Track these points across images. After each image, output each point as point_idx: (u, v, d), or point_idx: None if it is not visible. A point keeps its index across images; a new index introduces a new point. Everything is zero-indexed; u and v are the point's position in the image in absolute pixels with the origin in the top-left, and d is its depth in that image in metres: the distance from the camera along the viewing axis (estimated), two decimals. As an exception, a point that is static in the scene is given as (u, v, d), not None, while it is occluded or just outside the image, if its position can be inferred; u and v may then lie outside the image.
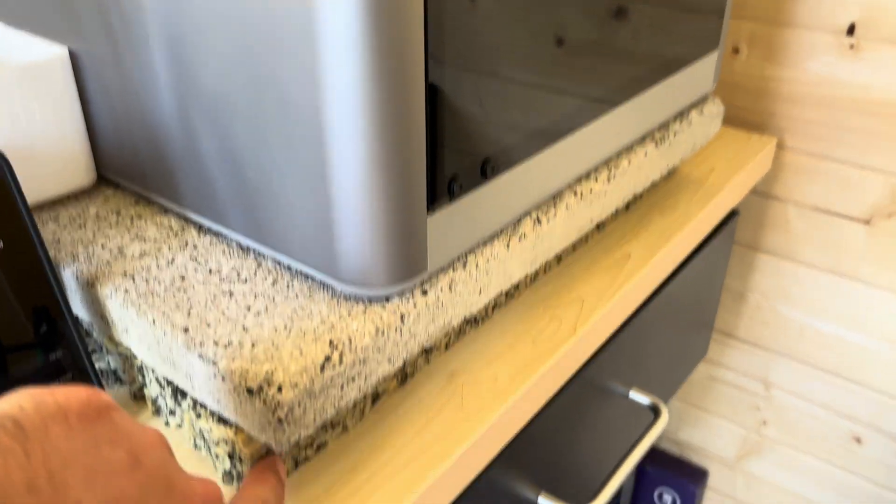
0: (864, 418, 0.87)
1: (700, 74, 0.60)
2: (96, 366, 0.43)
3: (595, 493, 0.54)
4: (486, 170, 0.40)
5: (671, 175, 0.69)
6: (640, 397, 0.62)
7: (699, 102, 0.62)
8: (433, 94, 0.35)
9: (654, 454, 1.07)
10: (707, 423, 1.01)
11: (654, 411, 0.61)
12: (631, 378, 0.63)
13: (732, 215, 0.75)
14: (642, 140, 0.56)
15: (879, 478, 0.89)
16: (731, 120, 0.81)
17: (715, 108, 0.63)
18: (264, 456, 0.38)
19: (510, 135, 0.42)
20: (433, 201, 0.38)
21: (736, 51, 0.78)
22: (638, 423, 0.66)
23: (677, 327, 0.70)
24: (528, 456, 0.51)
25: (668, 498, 1.05)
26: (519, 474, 0.51)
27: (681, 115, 0.60)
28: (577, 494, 0.59)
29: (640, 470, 1.05)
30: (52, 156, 0.46)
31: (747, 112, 0.80)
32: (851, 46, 0.71)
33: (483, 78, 0.39)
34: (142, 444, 0.24)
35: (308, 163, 0.36)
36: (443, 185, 0.38)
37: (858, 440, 0.88)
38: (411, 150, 0.35)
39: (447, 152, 0.38)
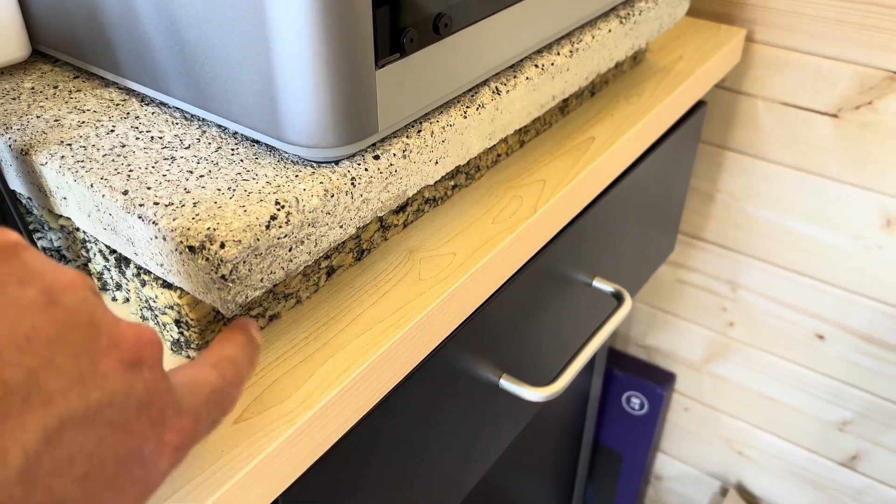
0: (828, 316, 0.88)
1: (667, -49, 0.58)
2: (38, 244, 0.42)
3: (556, 376, 0.54)
4: (438, 25, 0.39)
5: (638, 62, 0.67)
6: (603, 285, 0.62)
7: (666, -18, 0.60)
8: (378, -67, 0.33)
9: (622, 359, 1.08)
10: (674, 327, 1.02)
11: (618, 298, 0.61)
12: (595, 267, 0.63)
13: (700, 106, 0.73)
14: (606, 15, 0.54)
15: (841, 374, 0.91)
16: (701, 12, 0.79)
17: (682, -11, 0.61)
18: (213, 321, 0.37)
19: (465, -7, 0.40)
20: (382, 55, 0.36)
21: (707, -62, 0.76)
22: (602, 312, 0.66)
23: (643, 219, 0.70)
24: (489, 337, 0.50)
25: (635, 401, 1.06)
26: (481, 356, 0.50)
27: (647, -8, 0.58)
28: (539, 378, 0.59)
29: (608, 374, 1.07)
30: (-20, 24, 0.43)
31: (718, 3, 0.78)
32: (824, -70, 0.69)
33: (433, -76, 0.37)
34: (58, 282, 0.23)
35: (247, 14, 0.34)
36: (392, 37, 0.36)
37: (821, 337, 0.90)
38: (356, -4, 0.33)
39: (398, 2, 0.36)
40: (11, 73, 0.46)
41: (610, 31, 0.54)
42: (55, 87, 0.44)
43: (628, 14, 0.55)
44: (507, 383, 0.53)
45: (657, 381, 1.04)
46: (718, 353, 1.00)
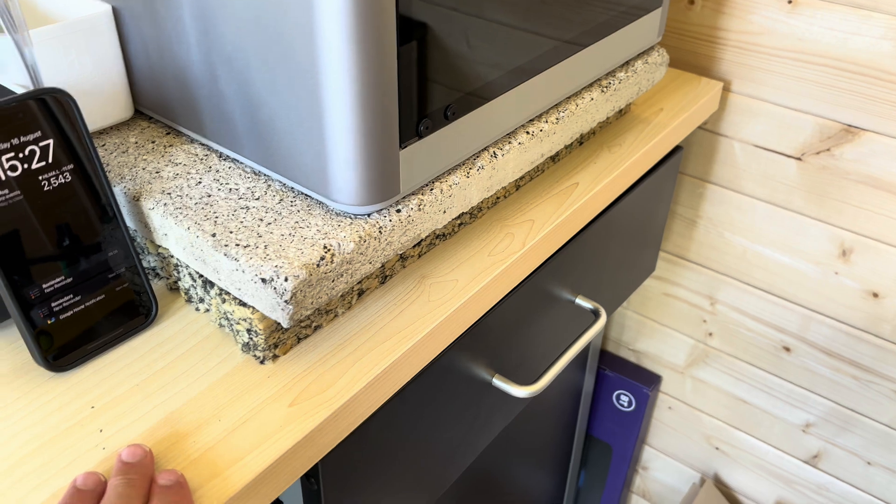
0: (792, 330, 0.99)
1: (645, 28, 0.70)
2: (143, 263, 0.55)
3: (538, 378, 0.66)
4: (447, 114, 0.51)
5: (623, 115, 0.79)
6: (584, 303, 0.74)
7: (644, 53, 0.72)
8: (401, 55, 0.46)
9: (614, 361, 1.20)
10: (661, 335, 1.14)
11: (595, 314, 0.73)
12: (578, 287, 0.75)
13: (677, 150, 0.85)
14: (589, 86, 0.66)
15: (804, 382, 1.02)
16: (684, 65, 0.91)
17: (660, 58, 0.73)
18: (275, 330, 0.49)
19: (470, 83, 0.53)
20: (404, 139, 0.49)
21: (692, 2, 0.87)
22: (583, 325, 0.79)
23: (623, 246, 0.82)
24: (484, 344, 0.63)
25: (624, 399, 1.18)
26: (477, 359, 0.63)
27: (626, 64, 0.70)
28: (526, 379, 0.71)
29: (600, 374, 1.19)
30: (98, 94, 0.56)
31: (699, 57, 0.89)
32: (790, 1, 0.81)
33: (443, 36, 0.49)
34: None
35: (306, 105, 0.46)
36: (412, 126, 0.49)
37: (787, 349, 1.01)
38: (386, 97, 0.46)
39: (415, 98, 0.48)
40: (119, 130, 0.59)
41: (592, 99, 0.66)
42: (153, 143, 0.58)
43: (609, 83, 0.67)
44: (498, 382, 0.66)
45: (644, 382, 1.16)
46: (699, 359, 1.12)
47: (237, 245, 0.48)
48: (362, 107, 0.45)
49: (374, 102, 0.45)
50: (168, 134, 0.59)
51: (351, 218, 0.50)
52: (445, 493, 0.85)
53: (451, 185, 0.54)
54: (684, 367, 1.14)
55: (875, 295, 0.91)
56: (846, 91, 0.81)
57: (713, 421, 1.16)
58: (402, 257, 0.58)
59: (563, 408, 1.13)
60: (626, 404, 1.19)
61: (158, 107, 0.58)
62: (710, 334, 1.08)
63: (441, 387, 0.60)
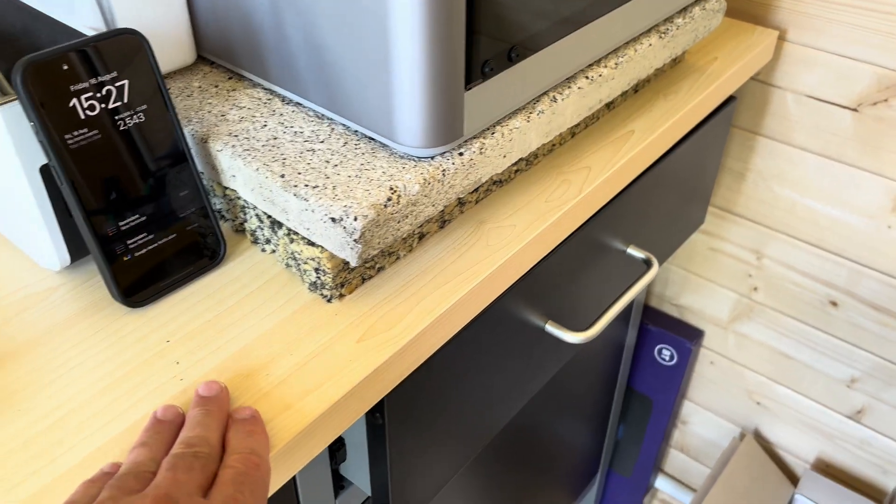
0: (840, 285, 0.99)
1: (705, -26, 0.68)
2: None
3: (591, 324, 0.67)
4: (511, 56, 0.51)
5: (677, 63, 0.78)
6: (636, 253, 0.74)
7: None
8: (472, -3, 0.46)
9: (657, 316, 1.21)
10: (705, 289, 1.14)
11: (647, 264, 0.73)
12: (629, 237, 0.75)
13: (730, 100, 0.84)
14: (647, 32, 0.66)
15: (850, 337, 1.02)
16: (739, 13, 0.89)
17: (717, 5, 0.72)
18: (342, 270, 0.50)
19: (533, 25, 0.52)
20: (469, 80, 0.49)
21: (748, -52, 0.85)
22: (634, 274, 0.79)
23: (674, 197, 0.82)
24: (538, 291, 0.64)
25: (666, 353, 1.19)
26: (531, 304, 0.64)
27: (684, 10, 0.69)
28: (578, 326, 0.72)
29: (643, 328, 1.19)
30: (164, 38, 0.57)
31: (755, 5, 0.88)
32: (852, -53, 0.79)
33: (512, -18, 0.49)
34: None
35: (374, 49, 0.47)
36: (477, 68, 0.49)
37: (834, 304, 1.01)
38: (453, 39, 0.46)
39: (481, 40, 0.49)
40: (182, 74, 0.60)
41: (650, 45, 0.65)
42: (216, 87, 0.58)
43: (667, 29, 0.67)
44: (551, 328, 0.67)
45: (687, 336, 1.17)
46: (743, 314, 1.12)
47: (306, 185, 0.48)
48: (431, 46, 0.45)
49: (443, 42, 0.45)
50: (230, 78, 0.59)
51: (415, 160, 0.51)
52: (488, 444, 0.87)
53: (511, 130, 0.55)
54: (727, 321, 1.14)
55: (928, 249, 0.90)
56: (907, 39, 0.80)
57: (755, 376, 1.16)
58: (461, 202, 0.58)
59: (605, 362, 1.14)
60: (667, 359, 1.19)
61: (221, 51, 0.59)
62: (756, 289, 1.08)
63: (496, 330, 0.61)
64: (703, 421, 1.28)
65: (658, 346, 1.19)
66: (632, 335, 1.16)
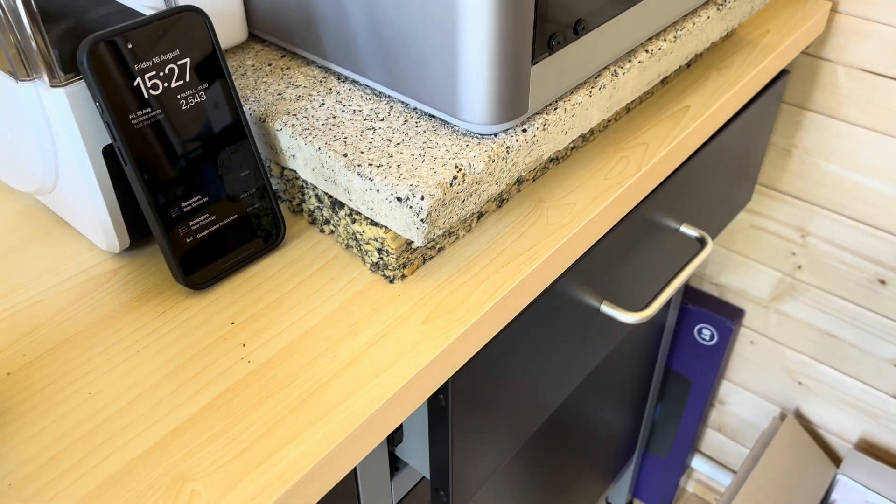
0: (890, 262, 0.97)
1: (762, -57, 0.66)
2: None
3: (647, 305, 0.66)
4: (578, 28, 0.50)
5: (729, 37, 0.76)
6: (689, 231, 0.73)
7: (760, -31, 0.69)
8: (542, -32, 0.44)
9: (696, 295, 1.19)
10: (746, 268, 1.12)
11: (701, 242, 0.72)
12: (682, 215, 0.74)
13: (783, 74, 0.82)
14: (705, 4, 0.64)
15: (898, 316, 1.00)
16: (789, -16, 0.87)
17: (774, -25, 0.70)
18: (405, 251, 0.50)
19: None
20: (537, 54, 0.48)
21: (800, -84, 0.83)
22: (685, 253, 0.78)
23: (726, 174, 0.80)
24: (595, 270, 0.63)
25: (706, 333, 1.18)
26: (588, 284, 0.63)
27: (742, -19, 0.67)
28: (632, 305, 0.71)
29: (682, 308, 1.18)
30: (216, 16, 0.56)
31: (806, -23, 0.85)
32: (910, -87, 0.76)
33: (579, -48, 0.48)
34: None
35: (440, 24, 0.46)
36: (544, 41, 0.48)
37: (883, 282, 0.99)
38: (523, 11, 0.45)
39: (549, 13, 0.47)
40: (234, 53, 0.59)
41: (708, 17, 0.63)
42: (269, 65, 0.58)
43: (724, 1, 0.65)
44: (606, 308, 0.66)
45: (727, 316, 1.15)
46: (785, 293, 1.10)
47: (370, 165, 0.48)
48: (500, 19, 0.44)
49: (512, 14, 0.44)
50: (283, 57, 0.58)
51: (478, 138, 0.50)
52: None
53: (573, 105, 0.53)
54: (769, 300, 1.13)
55: (983, 225, 0.88)
56: (967, 9, 0.77)
57: (797, 355, 1.14)
58: (518, 181, 0.57)
59: (644, 341, 1.12)
60: (707, 338, 1.18)
61: (275, 29, 0.58)
62: (799, 267, 1.06)
63: (554, 311, 0.60)
64: (742, 401, 1.27)
65: (698, 326, 1.18)
66: (672, 315, 1.14)
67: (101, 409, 0.43)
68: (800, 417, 1.20)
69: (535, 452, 0.94)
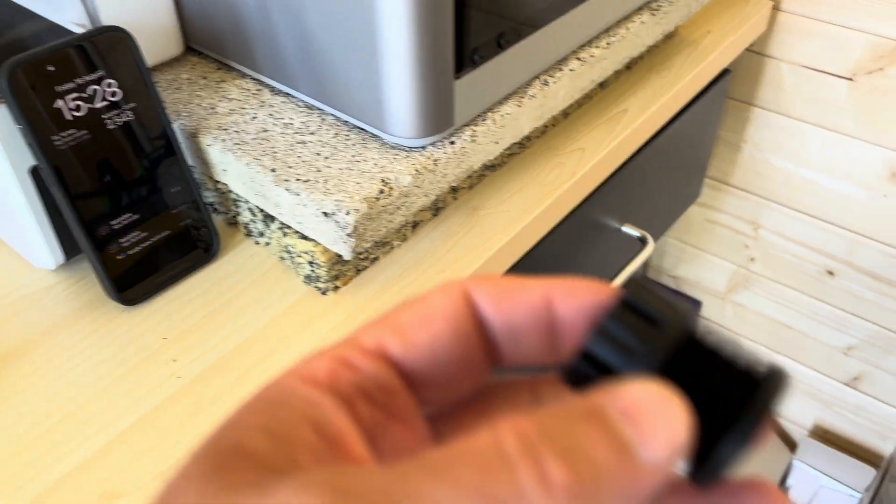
0: (837, 254, 0.99)
1: (697, -53, 0.67)
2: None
3: (589, 305, 0.67)
4: (501, 42, 0.51)
5: (670, 38, 0.77)
6: (631, 231, 0.74)
7: (695, -27, 0.70)
8: (460, -15, 0.45)
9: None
10: (701, 261, 1.14)
11: (643, 242, 0.73)
12: (624, 215, 0.75)
13: (725, 73, 0.83)
14: (639, 10, 0.65)
15: (847, 306, 1.02)
16: (733, -17, 0.88)
17: (710, -22, 0.71)
18: (336, 263, 0.50)
19: (521, 11, 0.52)
20: (460, 69, 0.49)
21: (741, -84, 0.84)
22: (630, 252, 0.79)
23: (670, 172, 0.81)
24: (535, 274, 0.64)
25: (664, 325, 1.19)
26: (527, 288, 0.64)
27: (677, -15, 0.68)
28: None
29: (640, 301, 1.20)
30: (150, 31, 0.56)
31: (749, -25, 0.86)
32: (846, -86, 0.77)
33: (500, -33, 0.48)
34: None
35: (361, 42, 0.46)
36: (467, 56, 0.49)
37: (831, 273, 1.01)
38: (442, 27, 0.46)
39: (470, 27, 0.48)
40: (170, 66, 0.59)
41: (642, 22, 0.64)
42: (204, 78, 0.58)
43: (659, 6, 0.66)
44: (548, 310, 0.67)
45: (684, 308, 1.17)
46: (740, 285, 1.12)
47: (297, 179, 0.48)
48: (419, 36, 0.45)
49: (432, 31, 0.45)
50: (219, 69, 0.59)
51: (406, 151, 0.51)
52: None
53: (503, 116, 0.54)
54: (725, 292, 1.15)
55: (924, 218, 0.90)
56: (903, 7, 0.79)
57: (753, 345, 1.17)
58: (454, 189, 0.58)
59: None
60: (665, 330, 1.20)
61: (209, 42, 0.58)
62: (752, 259, 1.08)
63: (493, 315, 0.61)
64: (702, 390, 1.29)
65: (656, 318, 1.20)
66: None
67: (31, 428, 0.44)
68: (757, 405, 1.23)
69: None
